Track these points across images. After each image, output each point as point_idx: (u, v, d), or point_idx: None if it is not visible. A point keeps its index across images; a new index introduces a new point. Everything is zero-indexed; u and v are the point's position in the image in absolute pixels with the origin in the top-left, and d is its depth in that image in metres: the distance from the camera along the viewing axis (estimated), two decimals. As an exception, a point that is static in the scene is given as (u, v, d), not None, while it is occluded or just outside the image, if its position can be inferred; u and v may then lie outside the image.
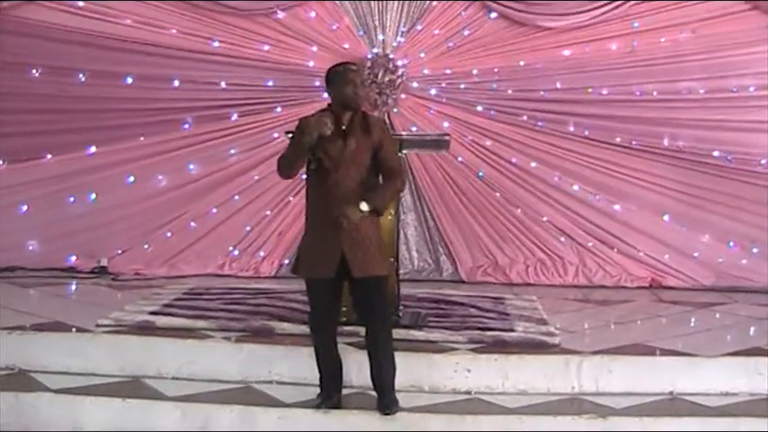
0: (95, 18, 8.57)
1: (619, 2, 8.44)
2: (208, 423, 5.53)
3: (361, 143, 5.42)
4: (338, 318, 5.72)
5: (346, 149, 5.39)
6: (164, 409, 5.62)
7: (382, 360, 5.47)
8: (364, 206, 5.33)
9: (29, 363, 6.11)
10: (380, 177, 5.52)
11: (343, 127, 5.44)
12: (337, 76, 5.50)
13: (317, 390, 5.60)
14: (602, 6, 8.47)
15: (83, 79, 8.62)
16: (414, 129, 8.52)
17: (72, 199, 8.73)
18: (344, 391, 5.69)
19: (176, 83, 8.68)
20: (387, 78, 8.63)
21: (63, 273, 8.49)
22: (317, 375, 5.60)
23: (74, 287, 8.12)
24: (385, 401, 5.49)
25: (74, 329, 6.45)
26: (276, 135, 8.59)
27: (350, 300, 5.66)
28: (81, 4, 8.54)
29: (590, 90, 8.58)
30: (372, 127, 5.49)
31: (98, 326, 6.49)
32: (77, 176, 8.71)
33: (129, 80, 8.63)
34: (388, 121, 8.54)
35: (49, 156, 8.75)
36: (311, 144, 5.34)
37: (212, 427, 5.52)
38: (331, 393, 5.59)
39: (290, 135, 7.09)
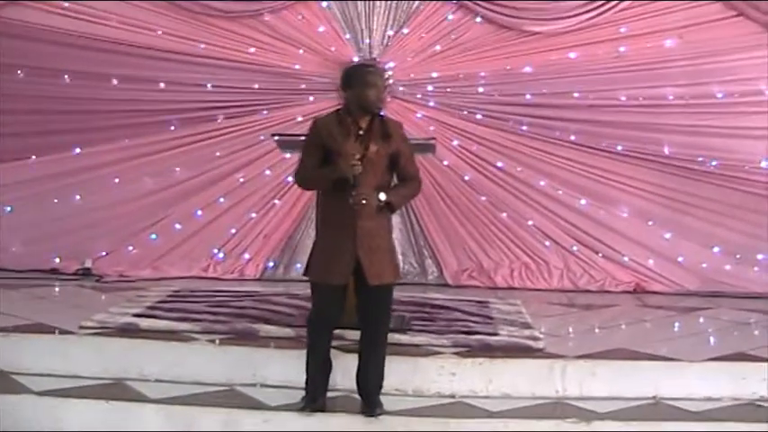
0: (81, 19, 8.55)
1: (605, 5, 8.46)
2: (191, 426, 5.49)
3: (380, 149, 5.30)
4: (338, 321, 5.63)
5: (367, 155, 5.27)
6: (147, 411, 5.58)
7: (375, 365, 5.47)
8: (383, 195, 5.26)
9: (11, 365, 6.06)
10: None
11: (361, 131, 5.33)
12: (356, 78, 5.33)
13: (302, 393, 5.57)
14: (589, 11, 8.50)
15: (68, 80, 8.60)
16: (400, 132, 8.51)
17: (56, 200, 8.70)
18: (329, 394, 5.66)
19: (162, 85, 8.66)
20: (373, 82, 8.62)
21: (47, 274, 8.45)
22: (303, 377, 5.58)
23: (57, 289, 8.08)
24: (370, 404, 5.47)
25: (57, 331, 6.41)
26: (262, 138, 8.58)
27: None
28: (66, 4, 8.51)
29: (576, 95, 8.60)
30: (392, 133, 5.36)
31: (81, 328, 6.45)
32: (62, 178, 8.68)
33: (115, 82, 8.61)
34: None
35: (34, 157, 8.72)
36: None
37: (196, 430, 5.50)
38: (316, 396, 5.55)
39: (277, 138, 7.16)
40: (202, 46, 8.64)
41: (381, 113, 5.42)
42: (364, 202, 5.19)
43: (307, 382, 5.56)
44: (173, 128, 8.73)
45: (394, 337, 6.21)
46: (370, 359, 5.48)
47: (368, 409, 5.46)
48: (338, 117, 5.38)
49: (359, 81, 5.31)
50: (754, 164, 8.49)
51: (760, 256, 8.56)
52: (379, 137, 5.33)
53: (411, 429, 5.45)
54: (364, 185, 5.24)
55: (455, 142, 8.69)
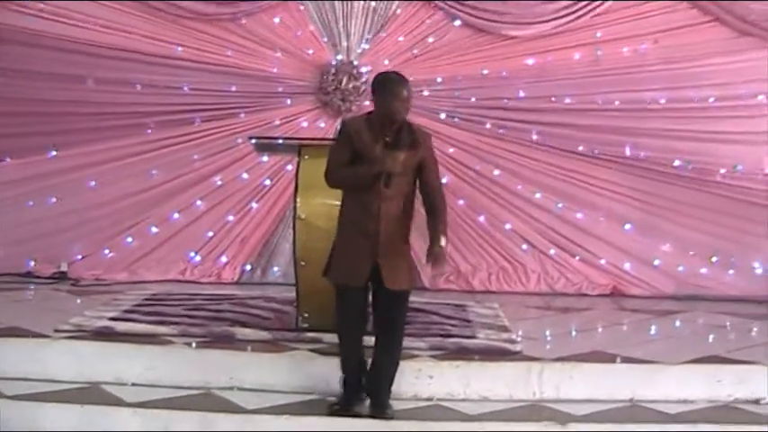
0: (58, 21, 8.52)
1: (581, 9, 8.50)
2: (168, 430, 5.47)
3: (407, 157, 5.29)
4: (366, 323, 5.62)
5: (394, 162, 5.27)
6: (123, 415, 5.55)
7: (388, 368, 5.47)
8: (443, 241, 5.31)
9: (-15, 369, 6.02)
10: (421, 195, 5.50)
11: (387, 138, 5.32)
12: (383, 86, 5.35)
13: (279, 396, 5.56)
14: (566, 16, 8.54)
15: (44, 83, 8.54)
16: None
17: (31, 203, 8.64)
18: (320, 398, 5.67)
19: (139, 87, 8.62)
20: (351, 85, 8.64)
21: (21, 278, 8.39)
22: (281, 380, 5.56)
23: (33, 292, 8.02)
24: (380, 405, 5.47)
25: (32, 335, 6.36)
26: (240, 141, 8.56)
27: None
28: (42, 5, 8.46)
29: (553, 99, 8.63)
30: (420, 142, 5.37)
31: (57, 331, 6.40)
32: (37, 180, 8.63)
33: (91, 84, 8.57)
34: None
35: (9, 159, 8.66)
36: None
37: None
38: (352, 400, 5.54)
39: (254, 141, 7.14)
40: (180, 49, 8.62)
41: (410, 123, 5.43)
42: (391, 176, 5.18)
43: (343, 385, 5.56)
44: (149, 131, 8.70)
45: (372, 340, 6.21)
46: (383, 363, 5.48)
47: (379, 411, 5.45)
48: (368, 122, 5.39)
49: (384, 90, 5.33)
50: (729, 168, 8.56)
51: (735, 260, 8.63)
52: (407, 145, 5.33)
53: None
54: (392, 189, 5.28)
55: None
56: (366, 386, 5.56)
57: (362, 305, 5.49)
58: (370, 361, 5.55)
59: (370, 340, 5.57)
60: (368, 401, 5.55)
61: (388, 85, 5.34)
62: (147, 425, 5.48)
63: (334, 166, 5.43)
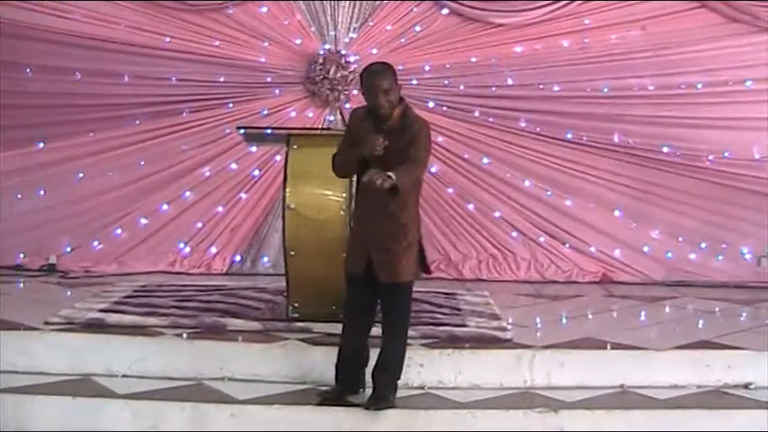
0: (44, 12, 8.46)
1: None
2: (159, 421, 5.47)
3: (392, 143, 5.25)
4: (371, 315, 5.59)
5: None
6: (114, 407, 5.55)
7: (384, 360, 5.47)
8: (392, 174, 5.11)
9: (-25, 362, 6.01)
10: None
11: (385, 127, 5.31)
12: (363, 80, 5.37)
13: (270, 386, 5.57)
14: (553, 3, 8.53)
15: (30, 74, 8.52)
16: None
17: (20, 196, 8.60)
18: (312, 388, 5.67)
19: (126, 78, 8.58)
20: (339, 74, 8.61)
21: (11, 270, 8.36)
22: (272, 370, 5.56)
23: (22, 285, 8.00)
24: (375, 396, 5.46)
25: (22, 328, 6.35)
26: (228, 131, 8.53)
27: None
28: (27, -4, 8.43)
29: (541, 86, 8.63)
30: (407, 128, 5.35)
31: (47, 324, 6.39)
32: (25, 173, 8.59)
33: (78, 75, 8.54)
34: (339, 116, 8.55)
35: (-4, 152, 8.64)
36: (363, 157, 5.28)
37: (163, 426, 5.46)
38: (344, 388, 5.56)
39: (243, 131, 7.12)
40: (167, 39, 8.58)
41: (407, 111, 5.42)
42: (378, 181, 5.07)
43: (336, 373, 5.58)
44: (137, 122, 8.67)
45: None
46: (381, 355, 5.49)
47: (371, 401, 5.44)
48: (369, 111, 5.40)
49: (365, 84, 5.36)
50: (717, 154, 8.57)
51: (724, 246, 8.66)
52: (396, 131, 5.32)
53: (379, 422, 5.44)
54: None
55: (421, 134, 8.68)
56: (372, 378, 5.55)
57: (364, 295, 5.47)
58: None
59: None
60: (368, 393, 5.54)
61: (368, 78, 5.35)
62: (137, 417, 5.49)
63: (335, 155, 5.51)
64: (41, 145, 8.65)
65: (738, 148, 8.57)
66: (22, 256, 8.59)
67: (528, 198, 8.75)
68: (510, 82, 8.67)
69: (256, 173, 8.70)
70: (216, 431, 5.46)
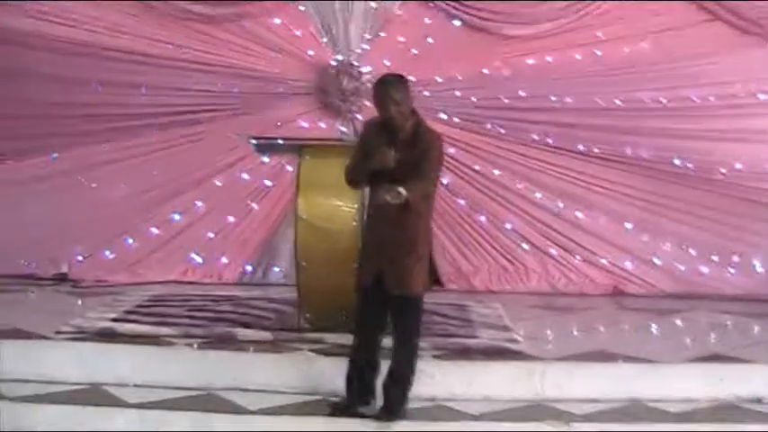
0: (64, 24, 8.50)
1: (582, 9, 8.50)
2: (169, 431, 5.47)
3: (404, 155, 5.24)
4: (382, 327, 5.54)
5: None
6: (124, 417, 5.55)
7: (396, 373, 5.44)
8: (402, 190, 5.12)
9: (-13, 371, 6.02)
10: None
11: (396, 138, 5.30)
12: (374, 93, 5.36)
13: (281, 396, 5.56)
14: (566, 15, 8.54)
15: (45, 84, 8.54)
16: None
17: (32, 204, 8.62)
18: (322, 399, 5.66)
19: (141, 89, 8.61)
20: (351, 85, 8.63)
21: (23, 279, 8.38)
22: (283, 381, 5.56)
23: (34, 294, 8.02)
24: (384, 408, 5.45)
25: (33, 336, 6.36)
26: (240, 141, 8.53)
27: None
28: (45, 8, 8.43)
29: (553, 98, 8.63)
30: (419, 140, 5.33)
31: (58, 333, 6.41)
32: (38, 182, 8.62)
33: (93, 86, 8.57)
34: (351, 128, 8.56)
35: (10, 161, 8.66)
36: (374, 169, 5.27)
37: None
38: (353, 399, 5.52)
39: (255, 142, 7.13)
40: (181, 50, 8.60)
41: (420, 123, 5.40)
42: (388, 198, 5.09)
43: (347, 384, 5.54)
44: (150, 132, 8.69)
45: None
46: (392, 368, 5.47)
47: (381, 414, 5.44)
48: (381, 122, 5.39)
49: (376, 95, 5.34)
50: (729, 166, 8.55)
51: (736, 258, 8.63)
52: (407, 144, 5.31)
53: (390, 432, 5.45)
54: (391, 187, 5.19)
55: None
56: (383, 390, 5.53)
57: (376, 307, 5.45)
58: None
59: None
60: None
61: (380, 89, 5.33)
62: (148, 426, 5.48)
63: (348, 165, 5.49)
64: (55, 155, 8.68)
65: (750, 161, 8.56)
66: (34, 264, 8.60)
67: (539, 210, 8.74)
68: (522, 94, 8.67)
69: (268, 183, 8.72)
70: (226, 441, 5.47)
